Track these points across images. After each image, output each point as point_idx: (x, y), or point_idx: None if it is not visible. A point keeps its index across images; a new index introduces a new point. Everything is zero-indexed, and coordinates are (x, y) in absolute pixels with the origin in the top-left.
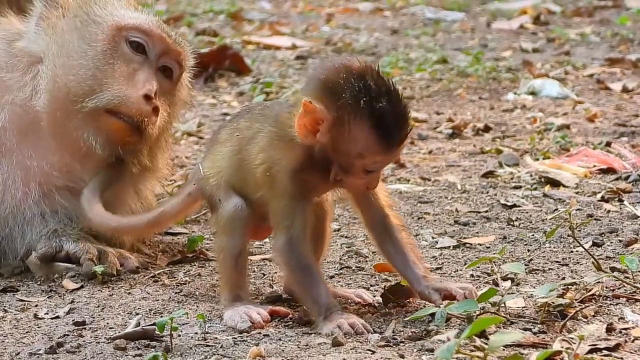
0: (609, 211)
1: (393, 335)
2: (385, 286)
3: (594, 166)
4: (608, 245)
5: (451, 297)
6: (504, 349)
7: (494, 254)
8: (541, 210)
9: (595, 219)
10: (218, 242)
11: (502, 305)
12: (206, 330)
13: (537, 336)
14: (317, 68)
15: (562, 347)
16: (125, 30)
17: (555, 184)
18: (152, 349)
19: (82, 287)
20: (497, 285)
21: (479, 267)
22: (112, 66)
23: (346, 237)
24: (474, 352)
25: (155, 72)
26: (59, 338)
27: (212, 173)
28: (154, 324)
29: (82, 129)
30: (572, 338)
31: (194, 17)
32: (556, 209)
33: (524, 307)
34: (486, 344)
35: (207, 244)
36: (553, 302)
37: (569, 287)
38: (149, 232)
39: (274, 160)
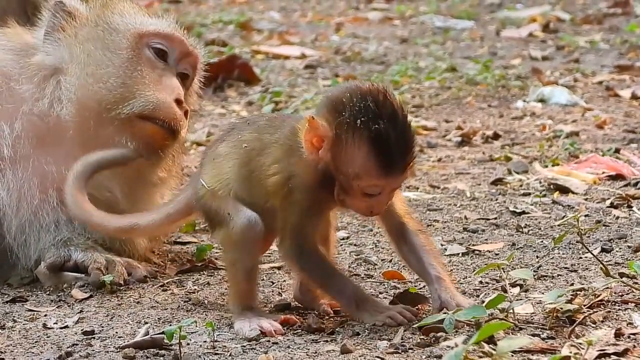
0: (617, 217)
1: (402, 342)
2: (394, 293)
3: (603, 173)
4: (617, 251)
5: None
6: (512, 355)
7: (503, 260)
8: (550, 217)
9: (604, 225)
10: (230, 256)
11: (511, 311)
12: (215, 338)
13: (546, 342)
14: (334, 89)
15: (571, 352)
16: (146, 37)
17: (564, 190)
18: (161, 358)
19: (90, 296)
20: (505, 291)
21: (487, 273)
22: (140, 73)
23: (355, 245)
24: (482, 358)
25: (176, 76)
26: (68, 347)
27: (218, 187)
28: (163, 332)
29: (118, 135)
30: (580, 343)
31: (204, 27)
32: (565, 216)
33: (533, 313)
34: (494, 349)
35: (216, 252)
36: (561, 308)
37: (578, 292)
38: (152, 234)
39: (291, 172)
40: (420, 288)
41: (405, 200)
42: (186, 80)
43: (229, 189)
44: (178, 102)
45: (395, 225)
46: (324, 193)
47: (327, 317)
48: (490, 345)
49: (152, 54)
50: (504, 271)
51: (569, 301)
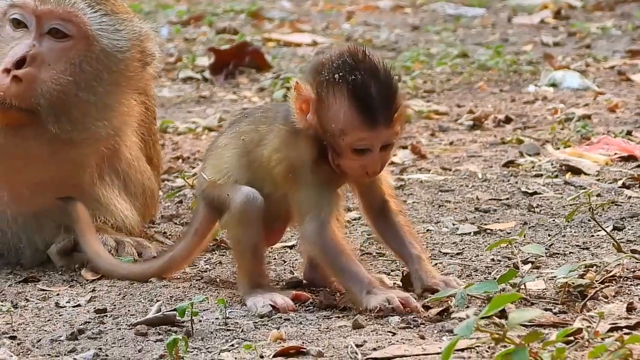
0: (629, 197)
1: (413, 317)
2: (404, 272)
3: (615, 154)
4: (629, 229)
5: (431, 290)
6: (524, 329)
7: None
8: (562, 197)
9: (615, 205)
10: (232, 234)
11: (522, 286)
12: (227, 315)
13: (558, 316)
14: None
15: (583, 325)
16: (7, 12)
17: (576, 171)
18: (173, 334)
19: (102, 276)
20: (517, 268)
21: (499, 251)
22: None
23: (366, 225)
24: (493, 329)
25: (37, 38)
26: (80, 325)
27: (219, 177)
28: (175, 309)
29: None
30: (592, 317)
31: (215, 16)
32: (577, 196)
33: (545, 289)
34: (506, 322)
35: None
36: (573, 283)
37: (589, 268)
38: (161, 277)
39: (292, 156)
40: (429, 256)
41: (391, 183)
42: (63, 35)
43: (229, 177)
44: (6, 70)
45: (377, 203)
46: (328, 166)
47: (338, 294)
48: (502, 320)
49: (11, 27)
50: (515, 247)
51: (581, 276)
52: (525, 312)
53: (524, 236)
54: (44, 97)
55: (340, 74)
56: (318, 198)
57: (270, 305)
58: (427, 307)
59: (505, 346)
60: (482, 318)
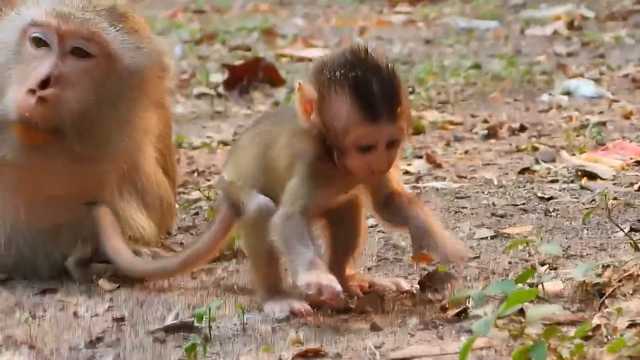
0: None
1: (432, 319)
2: (422, 274)
3: (631, 159)
4: None
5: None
6: (542, 327)
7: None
8: (578, 201)
9: (632, 207)
10: (247, 242)
11: (540, 287)
12: (245, 321)
13: (576, 314)
14: None
15: (601, 322)
16: (28, 30)
17: (592, 176)
18: (191, 340)
19: (119, 287)
20: (534, 269)
21: (516, 254)
22: (13, 72)
23: (384, 232)
24: (511, 326)
25: (60, 58)
26: (98, 333)
27: (237, 178)
28: (193, 315)
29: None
30: (610, 314)
31: (227, 34)
32: (593, 200)
33: (562, 289)
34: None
35: None
36: (591, 282)
37: (607, 267)
38: (182, 274)
39: (295, 153)
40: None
41: (400, 181)
42: (85, 54)
43: (246, 180)
44: (31, 91)
45: (384, 197)
46: (326, 164)
47: (356, 298)
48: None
49: (32, 46)
50: (532, 247)
51: (598, 275)
52: (543, 308)
53: (541, 238)
54: (68, 116)
55: (341, 71)
56: (300, 191)
57: (288, 310)
58: (444, 309)
59: (523, 343)
60: (500, 317)
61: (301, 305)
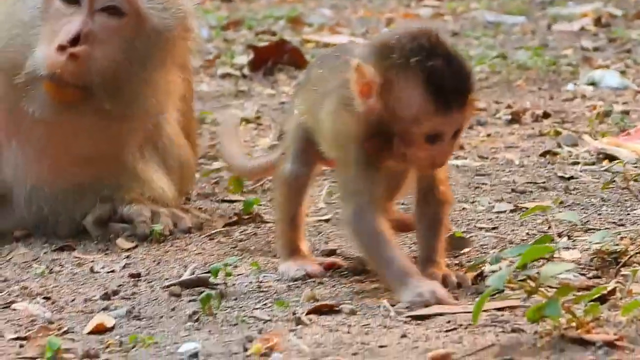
0: None
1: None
2: None
3: None
4: None
5: None
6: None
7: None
8: (599, 181)
9: None
10: (277, 197)
11: (557, 252)
12: (260, 279)
13: (591, 280)
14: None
15: (617, 287)
16: None
17: (614, 159)
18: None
19: (137, 246)
20: (552, 240)
21: (534, 226)
22: (40, 29)
23: (403, 204)
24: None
25: (89, 15)
26: (114, 288)
27: (304, 115)
28: (209, 271)
29: (30, 100)
30: (626, 278)
31: (254, 21)
32: (614, 180)
33: (579, 257)
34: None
35: (263, 207)
36: (607, 250)
37: (624, 237)
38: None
39: (341, 125)
40: (464, 231)
41: (447, 171)
42: (118, 11)
43: (304, 117)
44: (61, 48)
45: (425, 186)
46: (377, 148)
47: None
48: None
49: (61, 2)
50: (550, 216)
51: (615, 244)
52: (557, 266)
53: (560, 204)
54: (99, 74)
55: (415, 58)
56: (359, 179)
57: (304, 271)
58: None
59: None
60: (516, 276)
61: (316, 267)
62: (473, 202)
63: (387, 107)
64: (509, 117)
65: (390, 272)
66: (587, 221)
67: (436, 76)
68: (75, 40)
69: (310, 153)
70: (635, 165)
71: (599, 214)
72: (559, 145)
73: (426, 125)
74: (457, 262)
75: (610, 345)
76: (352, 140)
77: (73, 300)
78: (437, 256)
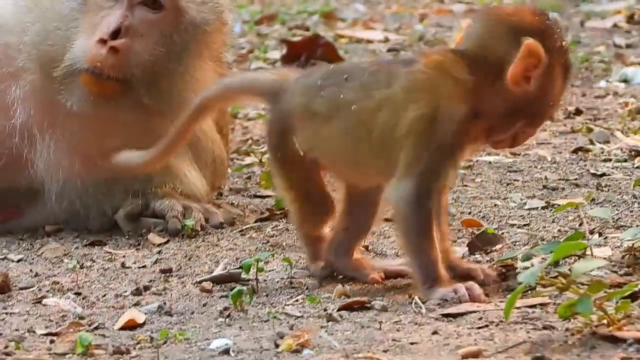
0: None
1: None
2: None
3: None
4: None
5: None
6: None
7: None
8: (630, 178)
9: None
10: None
11: (589, 249)
12: (292, 275)
13: (623, 277)
14: (505, 12)
15: None
16: None
17: None
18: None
19: (168, 241)
20: (584, 237)
21: (566, 222)
22: (79, 22)
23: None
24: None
25: (129, 8)
26: (145, 283)
27: (311, 148)
28: (241, 267)
29: (68, 93)
30: None
31: (287, 16)
32: None
33: (611, 254)
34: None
35: None
36: (639, 247)
37: None
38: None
39: (437, 106)
40: (496, 228)
41: None
42: (158, 5)
43: (321, 152)
44: (102, 41)
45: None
46: (472, 129)
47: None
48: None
49: None
50: (582, 213)
51: None
52: (589, 262)
53: (592, 201)
54: (138, 68)
55: (563, 41)
56: (442, 165)
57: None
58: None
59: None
60: (548, 273)
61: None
62: (505, 199)
63: (541, 89)
64: None
65: (422, 272)
66: (619, 218)
67: (570, 61)
68: (115, 34)
69: None
70: None
71: (631, 211)
72: (591, 142)
73: (555, 108)
74: (488, 258)
75: None
76: (449, 119)
77: (104, 295)
78: (448, 243)
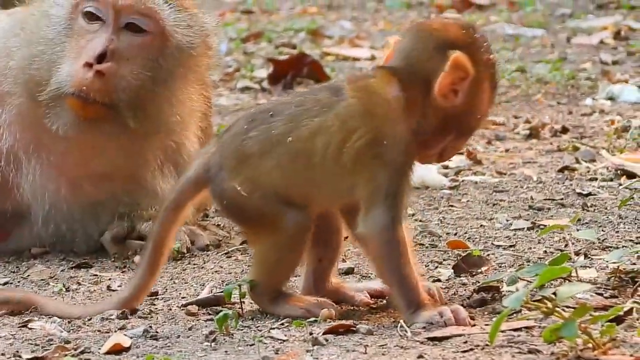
0: None
1: (465, 301)
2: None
3: None
4: None
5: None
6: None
7: (568, 232)
8: (616, 198)
9: None
10: (275, 251)
11: (574, 271)
12: None
13: (608, 300)
14: (433, 26)
15: (634, 307)
16: (80, 4)
17: (632, 176)
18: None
19: None
20: (570, 259)
21: (551, 244)
22: (66, 46)
23: (421, 221)
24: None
25: (115, 32)
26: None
27: (255, 189)
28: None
29: (52, 116)
30: None
31: (274, 34)
32: (632, 197)
33: (596, 276)
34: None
35: None
36: (624, 269)
37: None
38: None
39: (379, 132)
40: (482, 249)
41: None
42: (139, 29)
43: (272, 188)
44: (87, 65)
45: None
46: (415, 146)
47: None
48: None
49: (85, 20)
50: (567, 234)
51: (633, 263)
52: (574, 287)
53: (578, 221)
54: (124, 92)
55: (492, 54)
56: (401, 187)
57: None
58: (477, 291)
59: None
60: (533, 296)
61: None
62: (491, 219)
63: (468, 102)
64: (528, 132)
65: (406, 298)
66: (605, 239)
67: (498, 75)
68: (101, 57)
69: None
70: None
71: (617, 232)
72: (577, 161)
73: (483, 122)
74: (474, 280)
75: None
76: (393, 141)
77: (90, 319)
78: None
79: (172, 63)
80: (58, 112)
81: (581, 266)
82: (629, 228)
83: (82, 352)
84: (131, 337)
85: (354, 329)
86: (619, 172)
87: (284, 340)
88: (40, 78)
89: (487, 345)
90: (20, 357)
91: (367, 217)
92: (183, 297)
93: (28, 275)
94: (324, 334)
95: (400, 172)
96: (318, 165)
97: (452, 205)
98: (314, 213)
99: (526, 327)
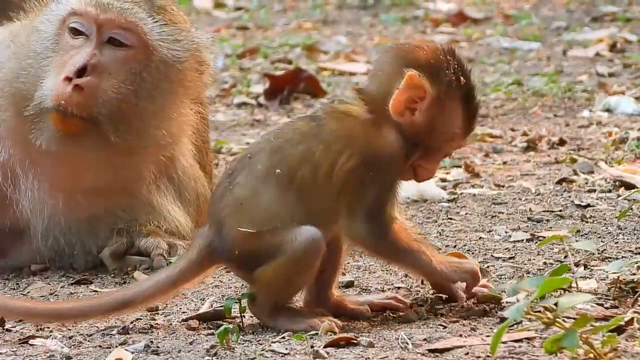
0: None
1: (465, 312)
2: None
3: None
4: None
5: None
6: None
7: (567, 244)
8: (615, 209)
9: None
10: (285, 276)
11: (574, 282)
12: None
13: (609, 310)
14: (398, 47)
15: (634, 317)
16: (67, 20)
17: (630, 187)
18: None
19: None
20: (570, 270)
21: (551, 255)
22: (50, 61)
23: (420, 233)
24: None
25: (97, 47)
26: (131, 321)
27: (262, 225)
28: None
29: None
30: None
31: (270, 49)
32: (630, 208)
33: (597, 287)
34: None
35: None
36: (624, 279)
37: None
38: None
39: (366, 152)
40: (481, 261)
41: None
42: (121, 43)
43: (275, 222)
44: (67, 79)
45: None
46: (403, 163)
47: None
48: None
49: (70, 35)
50: (567, 245)
51: (633, 274)
52: (575, 297)
53: (577, 232)
54: (105, 106)
55: (461, 77)
56: (387, 201)
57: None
58: (478, 302)
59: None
60: (534, 307)
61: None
62: (490, 232)
63: (430, 121)
64: (525, 144)
65: (444, 272)
66: (604, 250)
67: (473, 97)
68: (81, 72)
69: None
70: None
71: (616, 242)
72: (575, 173)
73: (457, 143)
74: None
75: None
76: (381, 159)
77: (90, 335)
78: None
79: (157, 77)
80: (41, 127)
81: (581, 277)
82: (628, 239)
83: None
84: (132, 352)
85: (355, 341)
86: (617, 183)
87: (285, 354)
88: (27, 92)
89: (488, 356)
90: None
91: (352, 228)
92: (183, 312)
93: (28, 292)
94: (325, 347)
95: (388, 188)
96: (311, 190)
97: (450, 218)
98: (326, 236)
99: (527, 338)
